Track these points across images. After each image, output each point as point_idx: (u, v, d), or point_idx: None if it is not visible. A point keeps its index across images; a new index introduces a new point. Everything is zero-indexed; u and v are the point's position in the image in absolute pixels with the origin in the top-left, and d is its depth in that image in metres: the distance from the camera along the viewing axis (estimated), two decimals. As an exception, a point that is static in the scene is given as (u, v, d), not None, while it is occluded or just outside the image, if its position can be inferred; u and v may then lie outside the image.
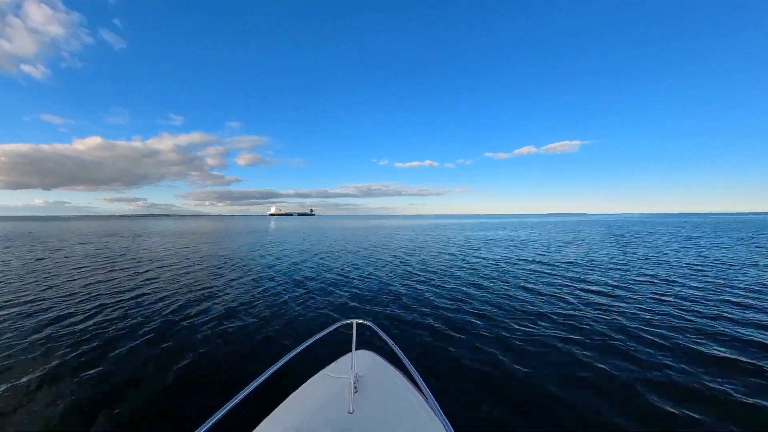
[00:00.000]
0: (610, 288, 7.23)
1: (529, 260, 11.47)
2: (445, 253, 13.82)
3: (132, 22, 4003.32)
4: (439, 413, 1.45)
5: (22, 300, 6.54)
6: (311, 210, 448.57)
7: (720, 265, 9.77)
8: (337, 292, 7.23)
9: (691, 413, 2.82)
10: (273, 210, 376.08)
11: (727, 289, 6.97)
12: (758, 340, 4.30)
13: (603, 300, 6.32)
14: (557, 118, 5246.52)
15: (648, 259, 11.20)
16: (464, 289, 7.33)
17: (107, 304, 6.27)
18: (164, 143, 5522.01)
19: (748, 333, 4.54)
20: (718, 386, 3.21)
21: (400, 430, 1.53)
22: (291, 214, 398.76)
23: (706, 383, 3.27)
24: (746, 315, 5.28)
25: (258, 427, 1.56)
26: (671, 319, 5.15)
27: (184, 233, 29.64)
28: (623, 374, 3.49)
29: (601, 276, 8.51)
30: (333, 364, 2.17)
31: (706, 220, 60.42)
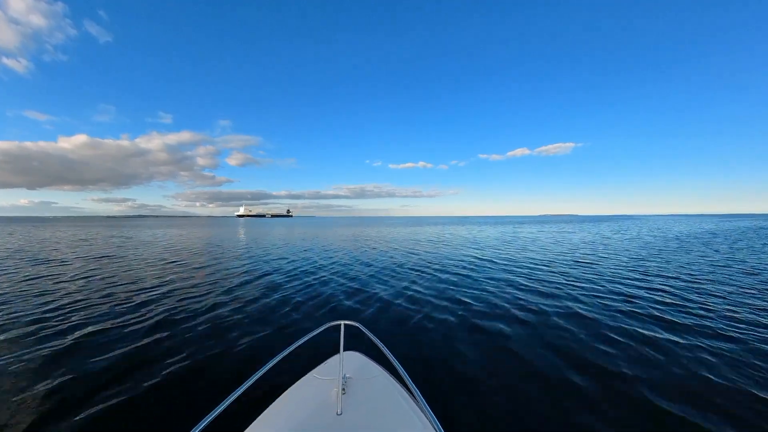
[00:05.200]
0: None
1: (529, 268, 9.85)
2: (437, 255, 13.27)
3: (117, 14, 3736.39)
4: (429, 413, 1.43)
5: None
6: (288, 211, 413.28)
7: None
8: (325, 293, 7.07)
9: None
10: (242, 211, 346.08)
11: None
12: None
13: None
14: (551, 120, 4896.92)
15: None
16: (456, 291, 7.12)
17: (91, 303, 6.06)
18: (153, 142, 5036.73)
19: None
20: None
21: None
22: (263, 216, 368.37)
23: None
24: None
25: (246, 431, 1.55)
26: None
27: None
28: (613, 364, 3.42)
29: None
30: (321, 366, 2.14)
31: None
